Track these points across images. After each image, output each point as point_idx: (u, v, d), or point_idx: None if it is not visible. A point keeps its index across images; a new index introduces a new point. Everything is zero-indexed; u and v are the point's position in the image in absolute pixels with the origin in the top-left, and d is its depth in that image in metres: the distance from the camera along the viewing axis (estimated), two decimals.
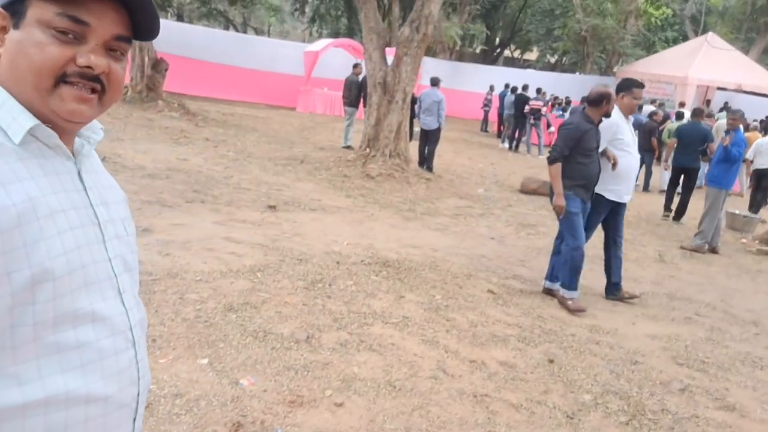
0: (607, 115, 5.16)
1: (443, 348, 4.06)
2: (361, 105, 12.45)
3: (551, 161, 5.14)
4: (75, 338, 0.97)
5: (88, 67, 0.95)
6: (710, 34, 23.19)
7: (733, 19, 29.85)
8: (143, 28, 1.02)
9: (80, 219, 1.00)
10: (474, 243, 7.01)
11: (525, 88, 17.19)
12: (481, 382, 3.72)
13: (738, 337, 5.10)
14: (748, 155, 13.24)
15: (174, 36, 16.25)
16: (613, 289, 5.66)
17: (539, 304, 5.24)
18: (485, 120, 20.93)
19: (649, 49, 28.54)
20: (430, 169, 11.28)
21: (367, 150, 10.55)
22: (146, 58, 12.53)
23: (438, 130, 11.20)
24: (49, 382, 0.94)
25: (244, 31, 38.23)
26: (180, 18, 33.09)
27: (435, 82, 11.29)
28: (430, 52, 26.01)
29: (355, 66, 13.13)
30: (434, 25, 10.28)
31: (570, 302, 5.18)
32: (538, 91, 17.19)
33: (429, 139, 11.26)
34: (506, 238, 7.46)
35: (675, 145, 10.23)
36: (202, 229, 5.83)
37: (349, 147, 12.50)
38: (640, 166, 12.73)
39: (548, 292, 5.48)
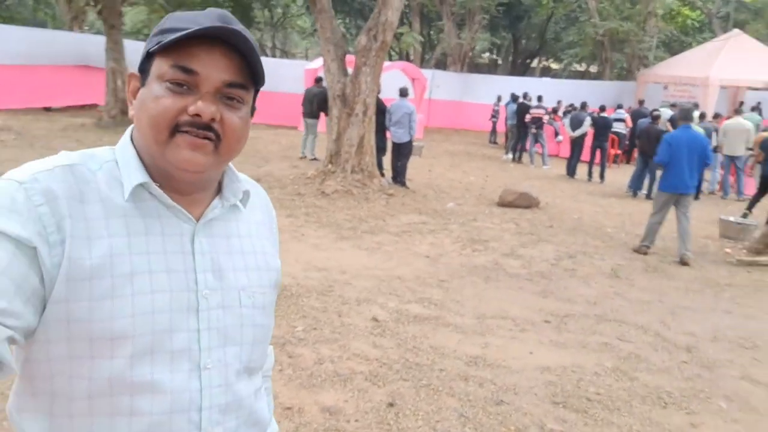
0: None
1: None
2: (322, 116, 12.08)
3: None
4: (129, 405, 0.95)
5: (197, 114, 0.94)
6: (735, 31, 21.89)
7: None
8: (254, 72, 1.00)
9: (171, 283, 0.98)
10: (400, 263, 6.41)
11: (525, 96, 16.45)
12: None
13: (656, 367, 4.34)
14: (719, 141, 12.17)
15: None
16: None
17: (426, 332, 4.61)
18: (493, 131, 20.18)
19: (684, 51, 27.24)
20: (403, 183, 10.70)
21: (329, 166, 10.08)
22: (119, 82, 12.41)
23: (410, 142, 10.62)
24: None
25: (274, 55, 38.69)
26: None
27: (404, 92, 10.74)
28: (441, 64, 25.53)
29: (318, 80, 12.74)
30: (393, 32, 9.77)
31: None
32: (540, 98, 16.39)
33: (400, 152, 10.67)
34: (443, 257, 6.83)
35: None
36: None
37: (312, 158, 12.23)
38: (644, 172, 11.96)
39: None
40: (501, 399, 3.69)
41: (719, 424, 3.64)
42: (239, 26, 0.97)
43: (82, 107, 16.10)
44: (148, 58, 0.98)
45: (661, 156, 7.49)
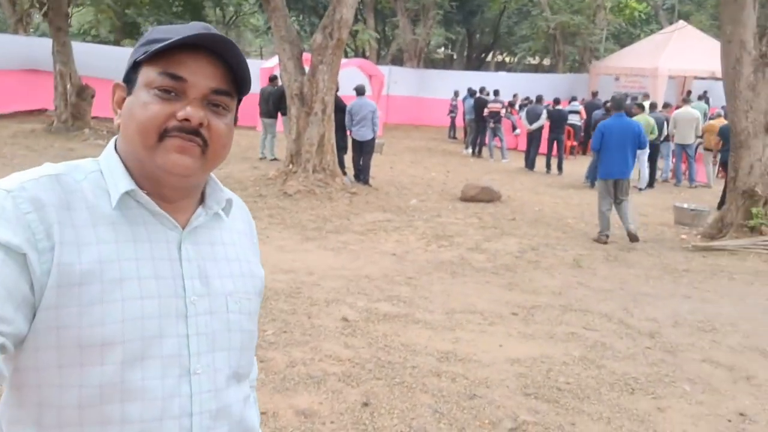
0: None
1: None
2: (279, 116, 11.99)
3: None
4: (120, 412, 0.95)
5: (186, 119, 0.97)
6: (681, 22, 22.52)
7: (711, 7, 29.15)
8: (240, 77, 1.02)
9: (159, 289, 0.99)
10: (366, 262, 6.41)
11: (482, 90, 16.62)
12: None
13: (622, 354, 4.45)
14: (669, 130, 12.55)
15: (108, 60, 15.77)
16: None
17: (396, 330, 4.63)
18: (452, 126, 20.33)
19: (633, 43, 27.90)
20: (366, 181, 10.67)
21: (290, 166, 10.00)
22: (69, 85, 12.06)
23: (373, 140, 10.62)
24: None
25: None
26: None
27: (360, 91, 10.71)
28: (398, 60, 25.58)
29: (272, 79, 12.65)
30: (348, 29, 9.74)
31: None
32: (496, 93, 16.58)
33: (363, 150, 10.65)
34: (409, 253, 6.86)
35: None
36: None
37: (272, 158, 12.19)
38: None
39: None
40: (474, 393, 3.72)
41: (684, 406, 3.75)
42: (225, 37, 1.00)
43: (31, 112, 15.59)
44: (134, 68, 1.00)
45: (594, 144, 7.96)
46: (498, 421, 3.43)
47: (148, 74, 0.98)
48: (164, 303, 0.99)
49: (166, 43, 0.96)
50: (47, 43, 13.52)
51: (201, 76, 0.98)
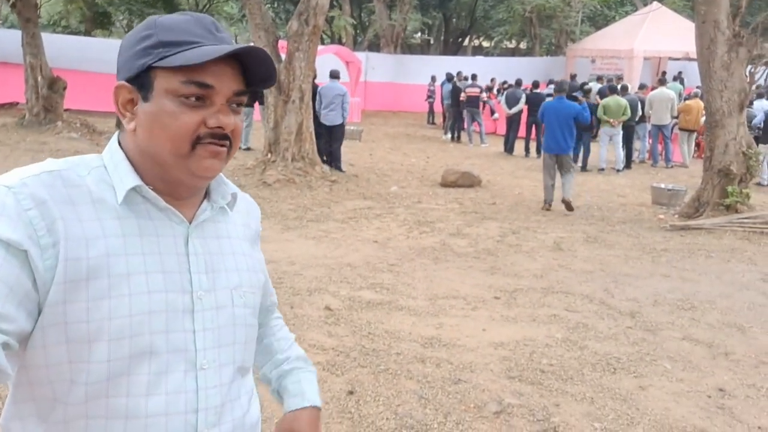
0: None
1: None
2: (257, 105, 11.87)
3: None
4: (125, 407, 0.96)
5: (219, 127, 0.99)
6: (655, 4, 22.62)
7: None
8: (260, 77, 1.03)
9: (167, 284, 0.99)
10: (348, 250, 6.40)
11: (459, 75, 16.59)
12: None
13: (603, 334, 4.50)
14: (645, 111, 12.68)
15: (87, 51, 15.45)
16: None
17: (380, 317, 4.63)
18: (431, 112, 20.31)
19: (609, 25, 28.00)
20: (339, 168, 10.60)
21: (269, 155, 9.92)
22: (39, 78, 11.80)
23: (342, 125, 10.55)
24: None
25: None
26: None
27: (335, 74, 10.63)
28: (374, 46, 25.44)
29: None
30: (324, 16, 9.65)
31: None
32: (474, 77, 16.57)
33: (333, 135, 10.57)
34: (391, 240, 6.85)
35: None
36: None
37: (249, 149, 12.03)
38: (578, 145, 12.24)
39: None
40: (458, 378, 3.74)
41: (665, 384, 3.80)
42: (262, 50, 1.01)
43: (2, 106, 15.26)
44: (146, 70, 0.98)
45: (539, 118, 9.28)
46: (483, 404, 3.45)
47: (169, 82, 0.97)
48: (171, 298, 1.00)
49: (203, 55, 0.95)
50: (16, 35, 13.20)
51: (225, 80, 0.99)
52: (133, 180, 0.99)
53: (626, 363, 4.05)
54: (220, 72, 0.98)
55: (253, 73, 1.03)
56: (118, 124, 1.05)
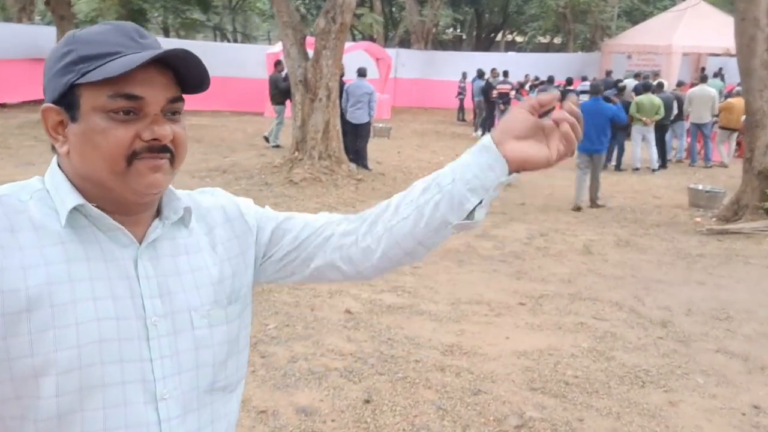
0: None
1: None
2: (288, 102, 11.90)
3: None
4: None
5: (155, 139, 0.92)
6: None
7: None
8: (192, 83, 0.96)
9: (117, 310, 0.93)
10: None
11: (493, 71, 16.36)
12: None
13: (632, 345, 4.33)
14: (685, 108, 12.27)
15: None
16: None
17: (400, 322, 4.53)
18: (461, 109, 20.09)
19: (646, 20, 27.37)
20: (365, 166, 10.52)
21: (296, 153, 9.88)
22: None
23: (368, 124, 10.46)
24: None
25: (235, 40, 37.88)
26: (166, 32, 32.80)
27: (362, 72, 10.55)
28: (405, 42, 25.29)
29: (277, 63, 12.53)
30: (351, 13, 9.56)
31: None
32: (506, 74, 16.33)
33: (359, 134, 10.48)
34: None
35: None
36: None
37: (278, 146, 12.08)
38: (613, 143, 11.93)
39: None
40: (478, 388, 3.62)
41: (697, 400, 3.63)
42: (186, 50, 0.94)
43: (38, 102, 15.56)
44: (70, 89, 0.92)
45: None
46: (503, 417, 3.33)
47: (96, 98, 0.90)
48: (123, 325, 0.93)
49: (123, 65, 0.88)
50: (52, 31, 13.42)
51: (156, 89, 0.92)
52: (74, 199, 0.93)
53: (656, 376, 3.88)
54: (149, 80, 0.91)
55: (186, 78, 0.96)
56: (53, 148, 0.98)
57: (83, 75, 0.90)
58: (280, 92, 12.21)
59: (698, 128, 12.46)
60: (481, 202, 1.03)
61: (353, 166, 10.22)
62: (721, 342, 4.42)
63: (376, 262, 1.11)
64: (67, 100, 0.92)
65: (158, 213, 1.02)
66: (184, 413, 0.98)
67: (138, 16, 26.30)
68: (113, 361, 0.91)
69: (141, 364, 0.94)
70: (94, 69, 0.89)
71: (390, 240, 1.09)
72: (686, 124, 12.67)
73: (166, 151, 0.94)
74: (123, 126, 0.91)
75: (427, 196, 1.07)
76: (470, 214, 1.04)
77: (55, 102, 0.94)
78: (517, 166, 1.04)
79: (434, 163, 12.20)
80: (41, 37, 15.01)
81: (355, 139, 10.47)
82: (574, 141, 1.03)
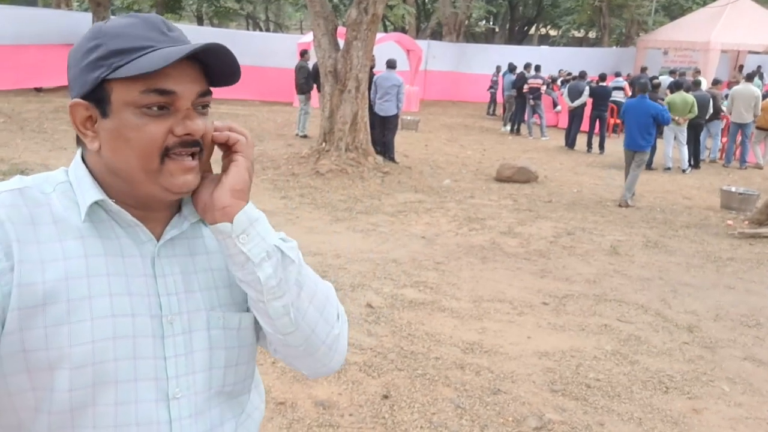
0: None
1: None
2: (315, 92, 11.90)
3: None
4: None
5: (187, 134, 0.93)
6: None
7: None
8: (223, 75, 0.96)
9: (134, 307, 0.93)
10: (395, 245, 6.30)
11: (526, 67, 16.15)
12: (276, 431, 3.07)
13: (657, 349, 4.25)
14: (727, 106, 11.93)
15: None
16: None
17: (421, 318, 4.52)
18: (492, 102, 19.89)
19: (684, 15, 26.77)
20: (392, 159, 10.49)
21: (323, 144, 9.89)
22: None
23: (396, 116, 10.43)
24: None
25: (268, 29, 38.05)
26: (200, 20, 33.09)
27: (392, 64, 10.50)
28: (437, 34, 25.11)
29: (303, 53, 12.55)
30: (384, 4, 9.51)
31: None
32: (537, 68, 16.12)
33: (386, 126, 10.44)
34: (440, 237, 6.72)
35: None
36: None
37: (305, 136, 12.11)
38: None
39: None
40: (498, 388, 3.60)
41: (722, 408, 3.56)
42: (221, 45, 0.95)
43: None
44: (100, 84, 0.91)
45: (621, 116, 9.83)
46: (522, 418, 3.31)
47: (128, 93, 0.90)
48: (139, 322, 0.93)
49: (160, 60, 0.87)
50: (88, 18, 13.62)
51: (187, 83, 0.92)
52: (95, 194, 0.93)
53: (680, 382, 3.81)
54: (181, 75, 0.91)
55: (215, 71, 0.95)
56: (79, 142, 0.97)
57: (115, 70, 0.89)
58: (306, 81, 12.27)
59: (738, 128, 12.11)
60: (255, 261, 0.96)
61: (380, 158, 10.20)
62: (749, 349, 4.33)
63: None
64: (97, 96, 0.92)
65: (178, 210, 1.02)
66: (196, 413, 0.98)
67: (173, 3, 26.59)
68: (127, 357, 0.92)
69: (155, 361, 0.94)
70: (127, 63, 0.88)
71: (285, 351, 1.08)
72: (721, 123, 12.36)
73: (196, 145, 0.94)
74: (156, 121, 0.91)
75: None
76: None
77: (83, 97, 0.93)
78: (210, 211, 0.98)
79: (462, 156, 12.14)
80: (78, 23, 15.25)
81: (383, 131, 10.44)
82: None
